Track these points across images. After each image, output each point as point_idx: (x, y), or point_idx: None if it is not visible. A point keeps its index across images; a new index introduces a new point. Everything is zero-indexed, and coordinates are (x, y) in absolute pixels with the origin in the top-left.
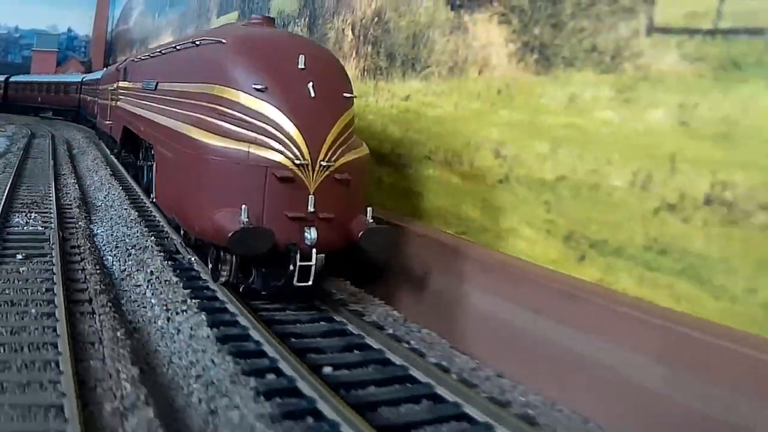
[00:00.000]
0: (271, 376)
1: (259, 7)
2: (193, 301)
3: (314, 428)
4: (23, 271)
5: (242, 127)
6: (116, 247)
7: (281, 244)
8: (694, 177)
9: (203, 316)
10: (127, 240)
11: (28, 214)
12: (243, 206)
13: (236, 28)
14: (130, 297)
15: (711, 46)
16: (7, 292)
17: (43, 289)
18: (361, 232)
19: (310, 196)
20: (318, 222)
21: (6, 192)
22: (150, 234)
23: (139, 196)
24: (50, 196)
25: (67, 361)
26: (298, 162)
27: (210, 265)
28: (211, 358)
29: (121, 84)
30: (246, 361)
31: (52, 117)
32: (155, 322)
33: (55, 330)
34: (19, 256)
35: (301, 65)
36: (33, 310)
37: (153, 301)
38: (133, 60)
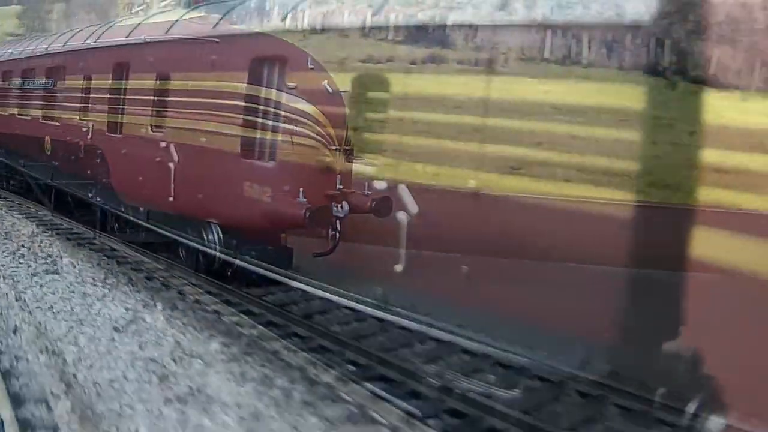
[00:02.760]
0: None
1: None
2: None
3: None
4: None
5: (283, 122)
6: None
7: None
8: None
9: None
10: None
11: None
12: (300, 189)
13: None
14: None
15: None
16: None
17: None
18: (375, 202)
19: (337, 176)
20: (344, 197)
21: None
22: None
23: None
24: None
25: None
26: (333, 148)
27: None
28: None
29: None
30: None
31: None
32: None
33: None
34: None
35: (310, 64)
36: None
37: None
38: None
